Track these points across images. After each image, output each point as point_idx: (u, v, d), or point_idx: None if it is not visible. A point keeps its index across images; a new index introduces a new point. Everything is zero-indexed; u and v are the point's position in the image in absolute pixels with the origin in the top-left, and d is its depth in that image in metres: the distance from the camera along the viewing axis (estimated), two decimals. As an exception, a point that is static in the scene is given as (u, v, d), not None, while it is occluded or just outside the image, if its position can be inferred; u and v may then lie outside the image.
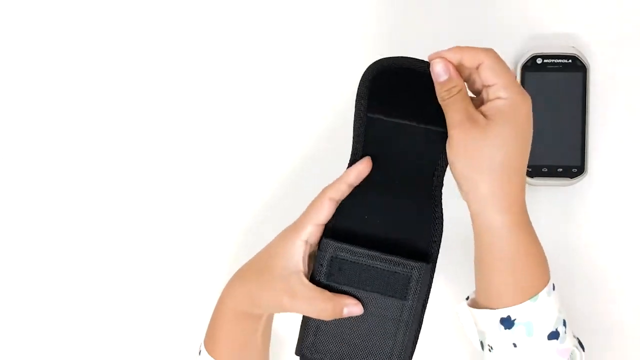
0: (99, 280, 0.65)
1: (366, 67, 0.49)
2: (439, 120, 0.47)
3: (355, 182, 0.48)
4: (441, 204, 0.49)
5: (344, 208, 0.49)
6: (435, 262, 0.49)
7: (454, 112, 0.45)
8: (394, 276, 0.48)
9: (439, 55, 0.46)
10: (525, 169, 0.47)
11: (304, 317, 0.50)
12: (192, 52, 0.64)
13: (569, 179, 0.61)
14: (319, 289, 0.47)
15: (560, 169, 0.61)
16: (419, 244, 0.48)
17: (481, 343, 0.51)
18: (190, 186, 0.65)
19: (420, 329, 0.49)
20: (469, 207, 0.47)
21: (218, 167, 0.64)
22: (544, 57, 0.61)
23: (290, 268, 0.48)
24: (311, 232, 0.48)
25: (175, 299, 0.65)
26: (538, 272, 0.47)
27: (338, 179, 0.49)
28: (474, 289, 0.51)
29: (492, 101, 0.45)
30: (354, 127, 0.49)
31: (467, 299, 0.52)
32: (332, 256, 0.48)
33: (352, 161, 0.49)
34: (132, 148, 0.65)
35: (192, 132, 0.64)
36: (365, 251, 0.48)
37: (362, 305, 0.48)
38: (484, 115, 0.45)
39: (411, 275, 0.47)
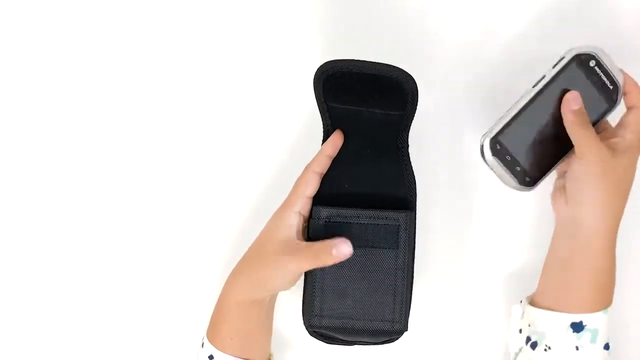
0: (97, 280, 0.64)
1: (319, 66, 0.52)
2: (385, 105, 0.53)
3: (332, 153, 0.54)
4: (410, 161, 0.54)
5: (326, 180, 0.54)
6: (416, 209, 0.54)
7: (589, 137, 0.49)
8: (384, 228, 0.52)
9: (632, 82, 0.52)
10: None
11: (306, 288, 0.53)
12: (188, 55, 0.65)
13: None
14: (316, 242, 0.51)
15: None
16: (399, 197, 0.54)
17: (528, 340, 0.53)
18: (186, 185, 0.64)
19: (413, 273, 0.53)
20: (578, 212, 0.50)
21: (212, 166, 0.65)
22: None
23: (289, 236, 0.52)
24: (302, 204, 0.52)
25: (172, 296, 0.64)
26: (612, 285, 0.52)
27: (317, 154, 0.54)
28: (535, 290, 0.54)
29: (622, 137, 0.51)
30: (320, 113, 0.54)
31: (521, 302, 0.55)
32: (325, 221, 0.52)
33: (325, 138, 0.55)
34: (128, 149, 0.64)
35: (187, 132, 0.65)
36: (356, 211, 0.52)
37: (356, 262, 0.51)
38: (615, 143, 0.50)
39: (399, 225, 0.52)
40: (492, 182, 0.55)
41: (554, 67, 0.51)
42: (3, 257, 0.65)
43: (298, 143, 0.63)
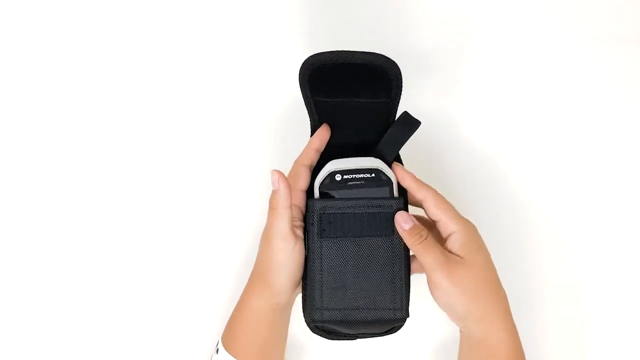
0: (106, 285, 0.64)
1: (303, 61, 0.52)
2: (370, 93, 0.53)
3: (319, 146, 0.53)
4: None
5: (316, 173, 0.53)
6: (407, 196, 0.53)
7: (430, 256, 0.49)
8: (379, 216, 0.52)
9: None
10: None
11: (305, 285, 0.52)
12: (190, 57, 0.67)
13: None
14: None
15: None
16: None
17: None
18: (199, 187, 0.65)
19: (409, 259, 0.53)
20: (470, 328, 0.51)
21: (226, 166, 0.66)
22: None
23: (289, 228, 0.51)
24: (296, 197, 0.52)
25: (186, 296, 0.65)
26: None
27: (305, 148, 0.54)
28: None
29: (450, 238, 0.51)
30: (307, 108, 0.54)
31: None
32: (320, 213, 0.51)
33: (313, 132, 0.54)
34: (137, 152, 0.65)
35: (193, 136, 0.66)
36: (349, 202, 0.52)
37: (354, 252, 0.51)
38: (451, 252, 0.50)
39: (393, 211, 0.51)
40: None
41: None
42: (12, 262, 0.65)
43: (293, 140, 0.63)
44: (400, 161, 0.55)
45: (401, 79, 0.53)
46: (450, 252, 0.50)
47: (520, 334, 0.52)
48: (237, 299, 0.56)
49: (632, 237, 0.66)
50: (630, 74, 0.68)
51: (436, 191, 0.52)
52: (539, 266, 0.65)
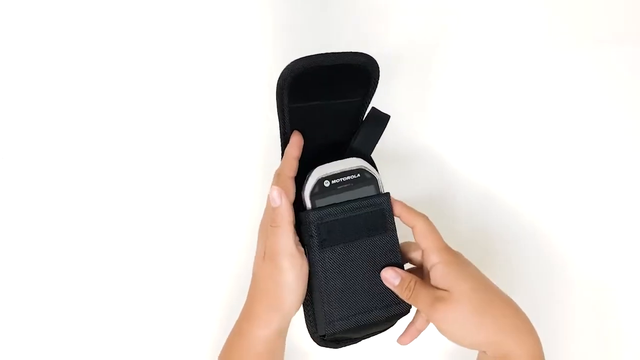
0: (104, 285, 0.64)
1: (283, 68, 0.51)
2: (347, 93, 0.53)
3: (298, 153, 0.52)
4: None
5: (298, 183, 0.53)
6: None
7: (422, 302, 0.50)
8: (372, 215, 0.52)
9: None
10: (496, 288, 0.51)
11: (312, 300, 0.52)
12: (191, 59, 0.65)
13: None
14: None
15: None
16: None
17: None
18: (197, 186, 0.65)
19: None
20: (487, 353, 0.50)
21: (224, 168, 0.65)
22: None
23: (293, 244, 0.50)
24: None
25: (183, 300, 0.64)
26: None
27: (284, 159, 0.52)
28: None
29: (432, 270, 0.50)
30: (278, 116, 0.53)
31: None
32: (318, 223, 0.50)
33: (283, 141, 0.53)
34: (134, 153, 0.65)
35: (191, 136, 0.65)
36: (343, 205, 0.51)
37: (355, 256, 0.51)
38: (439, 287, 0.49)
39: (384, 207, 0.52)
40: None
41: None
42: (10, 262, 0.64)
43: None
44: (372, 161, 0.55)
45: (379, 75, 0.52)
46: (436, 287, 0.50)
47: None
48: (236, 299, 0.55)
49: (632, 237, 0.67)
50: (624, 75, 0.68)
51: (426, 219, 0.52)
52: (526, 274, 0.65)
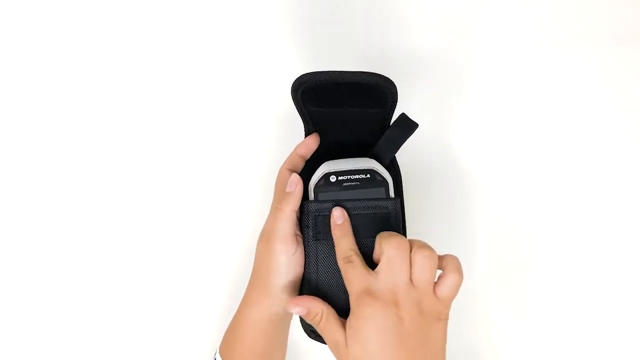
0: (103, 286, 0.64)
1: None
2: (364, 106, 0.52)
3: (305, 153, 0.53)
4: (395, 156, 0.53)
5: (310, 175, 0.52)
6: (402, 196, 0.53)
7: (327, 338, 0.47)
8: (376, 217, 0.50)
9: None
10: None
11: (302, 289, 0.51)
12: (194, 59, 0.66)
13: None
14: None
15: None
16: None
17: None
18: (197, 187, 0.65)
19: None
20: None
21: (225, 170, 0.65)
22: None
23: (291, 230, 0.50)
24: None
25: (182, 302, 0.65)
26: None
27: (291, 153, 0.53)
28: None
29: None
30: (300, 117, 0.53)
31: None
32: (315, 215, 0.50)
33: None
34: (137, 154, 0.65)
35: (192, 135, 0.65)
36: (347, 202, 0.50)
37: None
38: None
39: (389, 212, 0.50)
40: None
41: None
42: (10, 262, 0.65)
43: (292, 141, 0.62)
44: (396, 164, 0.54)
45: (397, 95, 0.51)
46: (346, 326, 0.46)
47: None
48: (236, 298, 0.54)
49: (632, 237, 0.67)
50: (623, 76, 0.67)
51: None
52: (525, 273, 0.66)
